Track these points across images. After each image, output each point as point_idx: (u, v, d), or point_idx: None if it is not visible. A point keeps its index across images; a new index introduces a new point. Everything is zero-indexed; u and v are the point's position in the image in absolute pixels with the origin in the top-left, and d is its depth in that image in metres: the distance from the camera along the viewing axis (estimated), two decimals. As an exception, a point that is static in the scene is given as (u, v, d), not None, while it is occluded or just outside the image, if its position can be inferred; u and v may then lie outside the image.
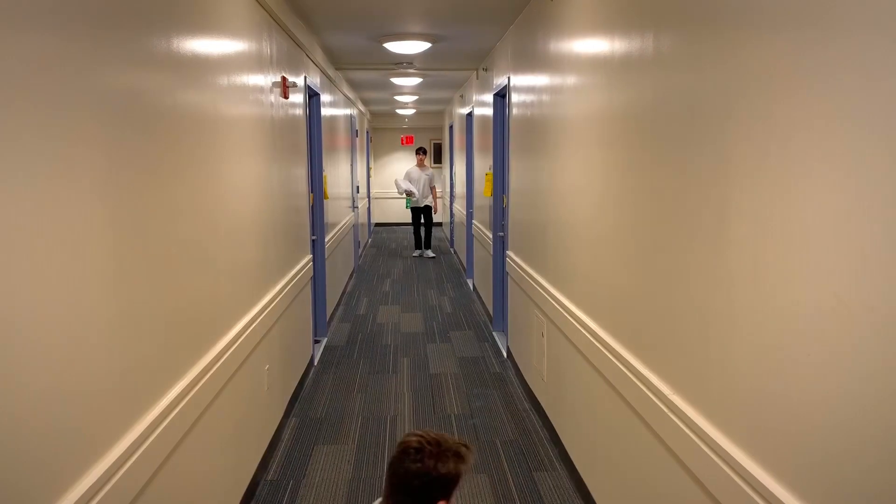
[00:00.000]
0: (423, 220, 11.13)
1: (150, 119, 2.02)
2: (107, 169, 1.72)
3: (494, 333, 6.22)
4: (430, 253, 11.07)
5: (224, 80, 2.85)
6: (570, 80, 3.41)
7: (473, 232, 7.95)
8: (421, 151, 11.19)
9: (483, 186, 6.76)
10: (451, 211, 11.78)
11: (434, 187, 11.10)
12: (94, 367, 1.66)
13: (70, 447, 1.54)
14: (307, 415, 4.34)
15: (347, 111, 8.79)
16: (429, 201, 11.03)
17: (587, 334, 3.00)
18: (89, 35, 1.65)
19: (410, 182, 10.81)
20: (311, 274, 5.21)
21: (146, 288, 1.97)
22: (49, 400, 1.45)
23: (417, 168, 10.98)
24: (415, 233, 11.26)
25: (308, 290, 5.09)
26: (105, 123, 1.72)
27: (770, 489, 1.53)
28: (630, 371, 2.44)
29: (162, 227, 2.10)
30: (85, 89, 1.61)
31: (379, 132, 15.69)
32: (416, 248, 11.28)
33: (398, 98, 10.97)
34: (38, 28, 1.43)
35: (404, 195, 10.75)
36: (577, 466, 3.34)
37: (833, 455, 1.37)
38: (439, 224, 14.82)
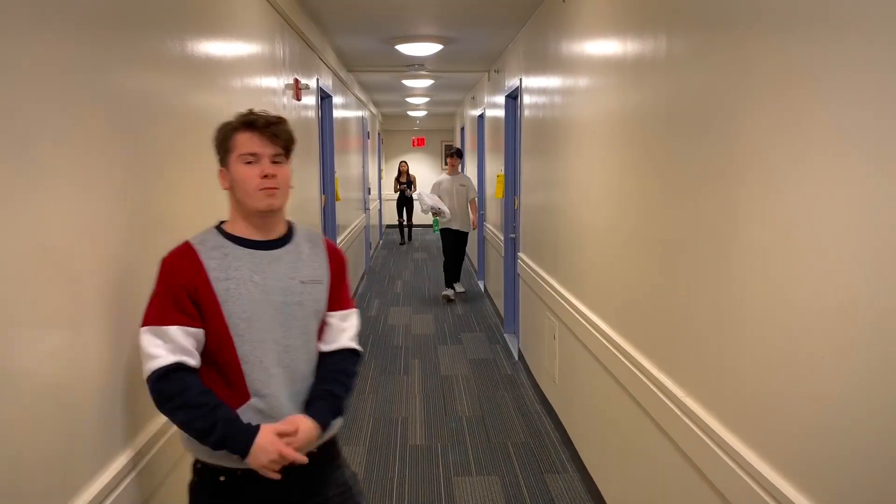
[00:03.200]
0: (455, 245, 7.71)
1: (162, 122, 2.03)
2: (118, 172, 1.73)
3: (506, 335, 6.21)
4: (458, 287, 7.98)
5: (237, 82, 2.86)
6: (583, 81, 3.41)
7: (485, 234, 7.94)
8: (454, 154, 7.77)
9: (494, 188, 6.76)
10: None
11: (474, 200, 7.74)
12: (102, 369, 1.67)
13: (83, 449, 1.54)
14: (319, 416, 4.34)
15: (359, 113, 8.82)
16: (465, 224, 7.68)
17: (599, 336, 2.99)
18: (103, 37, 1.66)
19: (440, 194, 7.59)
20: (323, 275, 5.21)
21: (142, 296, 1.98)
22: (60, 402, 1.46)
23: (449, 176, 7.69)
24: (445, 266, 7.86)
25: (320, 292, 5.09)
26: (116, 127, 1.73)
27: (784, 492, 1.52)
28: (642, 373, 2.43)
29: (172, 229, 2.11)
30: (98, 92, 1.63)
31: (390, 134, 15.72)
32: (446, 286, 7.87)
33: (409, 100, 10.99)
34: (51, 30, 1.44)
35: (430, 213, 7.55)
36: (589, 469, 3.33)
37: (845, 456, 1.36)
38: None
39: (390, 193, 15.34)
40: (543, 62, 4.40)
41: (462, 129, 11.66)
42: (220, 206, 2.58)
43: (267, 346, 1.64)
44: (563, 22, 3.81)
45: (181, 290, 1.59)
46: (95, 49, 1.61)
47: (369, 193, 10.02)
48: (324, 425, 1.67)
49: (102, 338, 1.63)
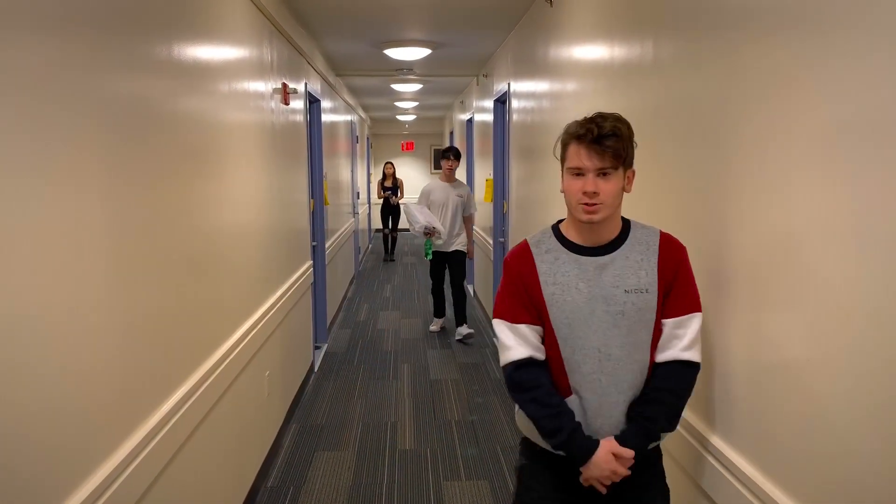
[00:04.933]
0: (448, 272, 6.17)
1: (151, 125, 2.02)
2: (108, 175, 1.72)
3: (495, 339, 6.19)
4: (465, 330, 6.06)
5: (225, 87, 2.85)
6: (571, 85, 3.42)
7: (473, 238, 7.95)
8: (450, 155, 6.04)
9: (483, 192, 6.76)
10: None
11: (471, 217, 6.20)
12: (94, 374, 1.65)
13: (68, 455, 1.53)
14: (307, 421, 4.33)
15: (348, 117, 8.81)
16: (461, 244, 6.08)
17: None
18: (91, 42, 1.65)
19: (431, 207, 5.97)
20: (312, 280, 5.21)
21: (146, 293, 1.97)
22: (47, 406, 1.45)
23: (444, 182, 6.05)
24: (434, 291, 6.33)
25: (308, 296, 5.08)
26: (106, 130, 1.72)
27: (774, 497, 1.52)
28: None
29: (162, 233, 2.10)
30: (87, 96, 1.62)
31: (379, 138, 15.71)
32: (435, 316, 6.47)
33: (399, 104, 10.99)
34: (41, 35, 1.43)
35: (422, 235, 5.92)
36: (578, 473, 3.32)
37: (833, 459, 1.36)
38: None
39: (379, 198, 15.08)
40: (532, 66, 4.41)
41: (451, 133, 11.67)
42: (210, 209, 2.58)
43: (587, 352, 1.67)
44: (550, 26, 3.83)
45: (523, 290, 1.71)
46: (83, 54, 1.60)
47: (358, 198, 10.00)
48: (634, 448, 1.65)
49: (103, 328, 1.62)
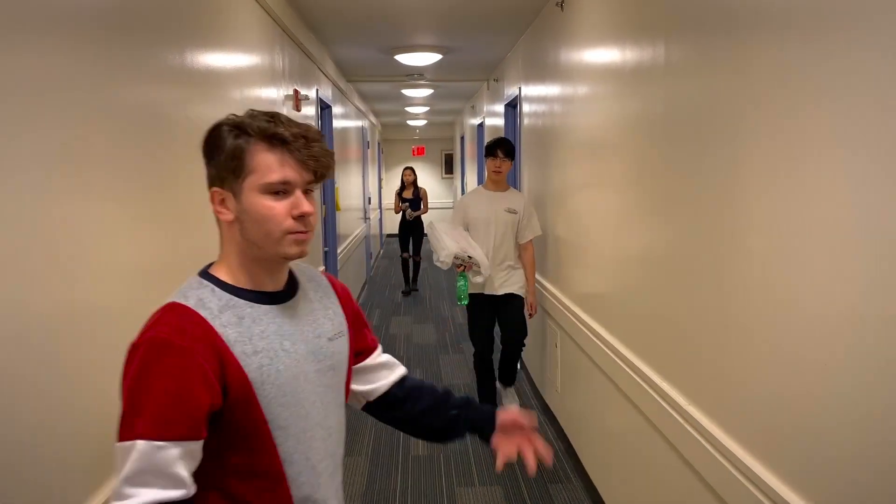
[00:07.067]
0: (500, 326, 4.15)
1: (164, 132, 2.03)
2: (123, 183, 1.73)
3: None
4: (510, 400, 4.34)
5: (237, 94, 2.87)
6: (582, 89, 3.41)
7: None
8: (497, 151, 3.99)
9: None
10: None
11: (529, 245, 4.06)
12: (109, 380, 1.66)
13: (88, 461, 1.54)
14: (320, 427, 4.32)
15: (359, 123, 8.83)
16: (518, 285, 4.03)
17: (601, 344, 2.98)
18: (107, 50, 1.66)
19: (470, 228, 4.02)
20: (324, 285, 5.20)
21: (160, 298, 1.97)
22: (67, 413, 1.46)
23: (489, 192, 4.07)
24: (479, 363, 4.29)
25: (321, 302, 5.08)
26: (121, 137, 1.73)
27: (786, 498, 1.51)
28: (644, 381, 2.42)
29: (176, 239, 2.11)
30: (101, 103, 1.63)
31: (390, 143, 15.75)
32: (481, 391, 4.28)
33: (409, 109, 11.02)
34: (57, 45, 1.44)
35: (454, 266, 3.92)
36: (593, 479, 3.31)
37: (850, 463, 1.35)
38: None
39: (391, 203, 9.97)
40: (543, 70, 4.41)
41: (462, 137, 11.69)
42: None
43: (312, 434, 1.21)
44: (561, 30, 3.82)
45: (202, 380, 1.07)
46: (96, 63, 1.61)
47: (369, 203, 10.01)
48: None
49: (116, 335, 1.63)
